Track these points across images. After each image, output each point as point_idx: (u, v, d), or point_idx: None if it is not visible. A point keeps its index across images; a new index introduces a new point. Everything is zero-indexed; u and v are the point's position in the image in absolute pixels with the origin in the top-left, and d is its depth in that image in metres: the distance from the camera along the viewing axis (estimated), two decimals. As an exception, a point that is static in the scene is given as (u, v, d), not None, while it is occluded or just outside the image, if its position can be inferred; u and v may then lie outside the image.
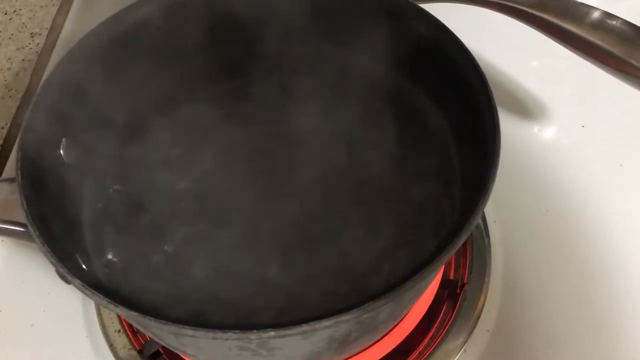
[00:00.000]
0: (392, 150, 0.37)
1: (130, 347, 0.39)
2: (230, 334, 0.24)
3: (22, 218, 0.27)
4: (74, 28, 0.60)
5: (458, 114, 0.35)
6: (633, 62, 0.37)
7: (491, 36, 0.53)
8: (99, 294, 0.25)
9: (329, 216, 0.35)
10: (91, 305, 0.41)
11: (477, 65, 0.32)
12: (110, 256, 0.34)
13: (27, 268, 0.44)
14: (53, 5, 0.60)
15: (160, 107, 0.39)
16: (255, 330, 0.24)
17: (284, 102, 0.39)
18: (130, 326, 0.40)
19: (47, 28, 0.59)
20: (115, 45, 0.37)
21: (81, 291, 0.25)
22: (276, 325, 0.24)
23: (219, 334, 0.24)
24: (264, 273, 0.34)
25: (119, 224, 0.35)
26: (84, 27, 0.36)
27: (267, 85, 0.40)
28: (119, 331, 0.40)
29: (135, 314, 0.25)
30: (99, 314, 0.41)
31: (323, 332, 0.26)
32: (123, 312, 0.25)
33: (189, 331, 0.24)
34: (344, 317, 0.25)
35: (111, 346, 0.39)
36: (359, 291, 0.31)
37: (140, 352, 0.39)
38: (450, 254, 0.26)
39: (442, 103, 0.37)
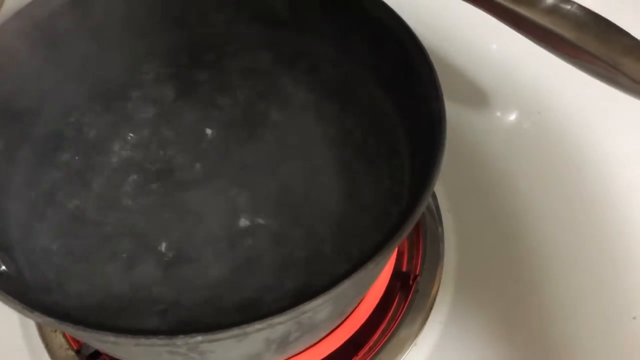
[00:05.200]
0: (338, 138, 0.36)
1: (67, 347, 0.37)
2: (154, 340, 0.23)
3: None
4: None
5: (406, 97, 0.34)
6: (583, 46, 0.36)
7: (451, 21, 0.53)
8: (11, 297, 0.23)
9: (271, 203, 0.33)
10: (27, 303, 0.39)
11: (422, 47, 0.31)
12: (38, 257, 0.31)
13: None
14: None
15: (96, 96, 0.37)
16: (181, 336, 0.23)
17: (226, 90, 0.38)
18: (67, 325, 0.38)
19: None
20: (45, 26, 0.35)
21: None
22: (204, 329, 0.23)
23: (143, 340, 0.23)
24: (209, 274, 0.32)
25: (47, 224, 0.33)
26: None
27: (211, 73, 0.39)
28: (56, 331, 0.38)
29: (52, 319, 0.23)
30: (36, 313, 0.38)
31: (257, 334, 0.24)
32: (39, 318, 0.23)
33: (111, 337, 0.23)
34: (276, 320, 0.23)
35: (47, 346, 0.37)
36: (298, 288, 0.30)
37: (77, 352, 0.37)
38: (387, 254, 0.25)
39: (389, 87, 0.36)
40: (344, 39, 0.37)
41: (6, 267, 0.28)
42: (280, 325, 0.24)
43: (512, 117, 0.51)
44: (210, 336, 0.23)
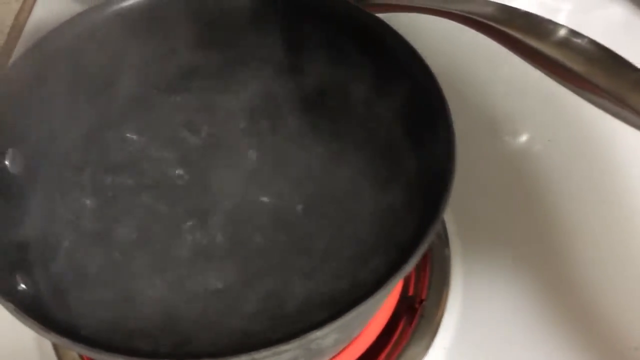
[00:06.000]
0: (345, 164, 0.37)
1: (79, 360, 0.38)
2: (165, 364, 0.24)
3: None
4: (37, 26, 0.59)
5: (418, 126, 0.35)
6: (591, 79, 0.37)
7: (462, 45, 0.53)
8: (28, 317, 0.24)
9: (272, 232, 0.34)
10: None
11: (436, 82, 0.33)
12: (56, 277, 0.32)
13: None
14: (16, 1, 0.58)
15: (113, 120, 0.38)
16: None
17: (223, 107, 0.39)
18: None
19: (9, 26, 0.57)
20: (69, 51, 0.36)
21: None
22: (212, 354, 0.24)
23: (154, 364, 0.24)
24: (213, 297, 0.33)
25: (68, 244, 0.34)
26: (48, 24, 0.35)
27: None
28: (68, 345, 0.39)
29: (67, 340, 0.24)
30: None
31: (263, 360, 0.25)
32: (55, 338, 0.24)
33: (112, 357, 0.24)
34: (283, 347, 0.24)
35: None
36: (303, 317, 0.31)
37: (89, 366, 0.38)
38: (393, 284, 0.25)
39: (400, 113, 0.37)
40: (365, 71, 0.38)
41: (25, 285, 0.29)
42: (286, 352, 0.25)
43: (522, 141, 0.52)
44: (218, 362, 0.24)
